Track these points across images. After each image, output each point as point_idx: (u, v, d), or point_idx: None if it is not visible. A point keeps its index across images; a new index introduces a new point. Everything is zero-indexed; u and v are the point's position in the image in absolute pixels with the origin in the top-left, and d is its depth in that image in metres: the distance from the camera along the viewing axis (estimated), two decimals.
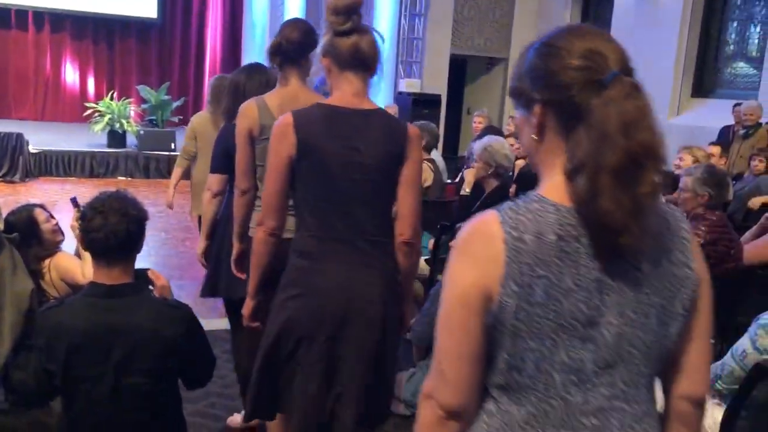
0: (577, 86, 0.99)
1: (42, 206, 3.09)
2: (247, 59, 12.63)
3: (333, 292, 1.89)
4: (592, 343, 1.02)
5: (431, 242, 4.15)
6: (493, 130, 6.10)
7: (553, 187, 1.04)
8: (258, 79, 2.75)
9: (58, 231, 3.08)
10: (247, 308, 2.20)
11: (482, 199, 4.04)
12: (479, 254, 1.03)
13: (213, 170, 2.88)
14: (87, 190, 8.43)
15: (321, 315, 1.98)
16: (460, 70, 11.62)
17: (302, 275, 2.01)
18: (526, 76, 1.06)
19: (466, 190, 5.07)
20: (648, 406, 1.09)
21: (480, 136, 6.98)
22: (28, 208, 3.01)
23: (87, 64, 12.99)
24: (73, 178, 9.02)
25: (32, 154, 8.85)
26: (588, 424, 1.04)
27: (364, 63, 2.00)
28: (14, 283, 3.04)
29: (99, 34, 12.95)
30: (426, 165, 4.97)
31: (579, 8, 10.69)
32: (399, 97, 10.09)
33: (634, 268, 1.03)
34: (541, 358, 1.02)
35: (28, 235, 2.93)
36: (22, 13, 12.25)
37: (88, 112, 9.68)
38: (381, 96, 10.65)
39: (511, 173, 4.09)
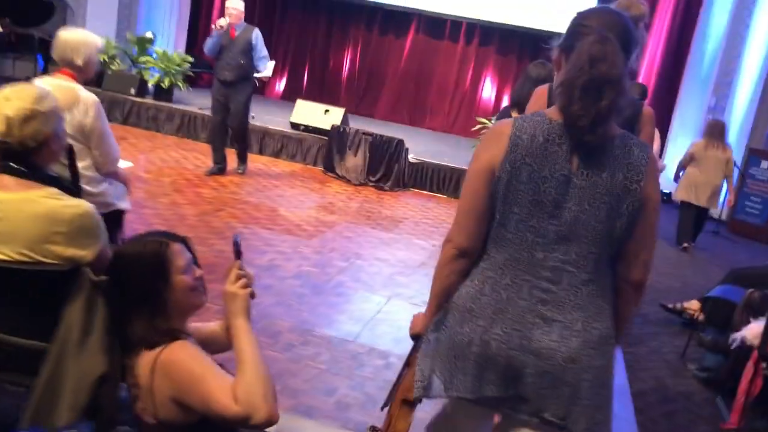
0: (575, 36, 1.64)
1: (185, 240, 1.80)
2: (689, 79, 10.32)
3: None
4: (556, 219, 1.55)
5: None
6: None
7: (554, 110, 1.59)
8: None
9: (199, 292, 1.79)
10: None
11: None
12: (493, 143, 1.60)
13: None
14: (447, 211, 7.43)
15: None
16: None
17: None
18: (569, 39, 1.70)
19: None
20: (594, 276, 1.58)
21: None
22: (159, 239, 1.74)
23: (506, 81, 12.29)
24: (443, 195, 8.16)
25: (410, 164, 8.26)
26: (544, 275, 1.58)
27: None
28: (80, 357, 1.84)
29: (524, 49, 12.11)
30: None
31: None
32: None
33: (596, 175, 1.54)
34: (520, 220, 1.57)
35: (143, 284, 1.71)
36: (456, 24, 12.15)
37: (477, 127, 8.73)
38: None
39: None
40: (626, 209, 1.54)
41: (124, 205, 3.52)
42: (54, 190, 2.03)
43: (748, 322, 3.59)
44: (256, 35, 6.75)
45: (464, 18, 12.01)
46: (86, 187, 3.23)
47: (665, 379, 3.93)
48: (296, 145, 8.66)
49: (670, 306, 5.02)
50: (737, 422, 3.42)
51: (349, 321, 3.94)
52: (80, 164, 3.21)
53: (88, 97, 3.19)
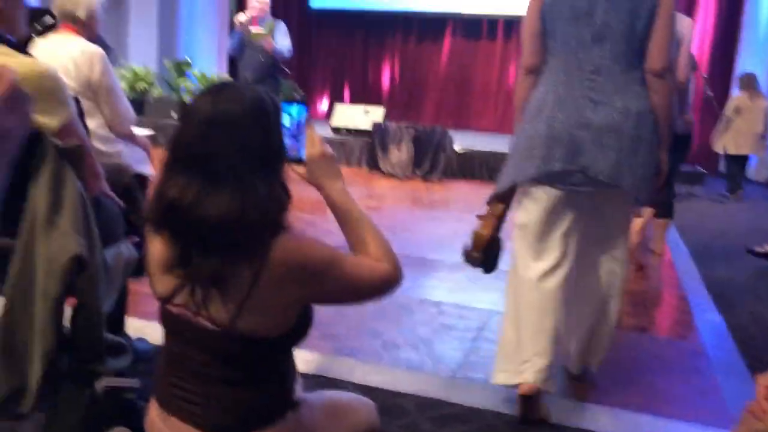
0: None
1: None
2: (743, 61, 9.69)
3: None
4: (590, 25, 2.05)
5: None
6: None
7: None
8: None
9: None
10: None
11: None
12: None
13: None
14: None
15: None
16: None
17: None
18: None
19: None
20: (627, 68, 2.07)
21: None
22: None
23: None
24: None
25: (458, 154, 7.91)
26: (588, 69, 2.07)
27: None
28: (49, 238, 1.57)
29: None
30: None
31: None
32: None
33: None
34: (564, 32, 2.08)
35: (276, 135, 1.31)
36: (492, 22, 11.87)
37: None
38: None
39: None
40: (643, 12, 2.03)
41: (145, 170, 3.31)
42: (3, 48, 1.68)
43: None
44: (279, 28, 6.10)
45: (500, 15, 11.71)
46: (98, 146, 3.03)
47: (764, 313, 3.42)
48: (338, 148, 8.45)
49: (759, 249, 4.47)
50: None
51: None
52: (91, 123, 3.03)
53: (93, 50, 3.01)
